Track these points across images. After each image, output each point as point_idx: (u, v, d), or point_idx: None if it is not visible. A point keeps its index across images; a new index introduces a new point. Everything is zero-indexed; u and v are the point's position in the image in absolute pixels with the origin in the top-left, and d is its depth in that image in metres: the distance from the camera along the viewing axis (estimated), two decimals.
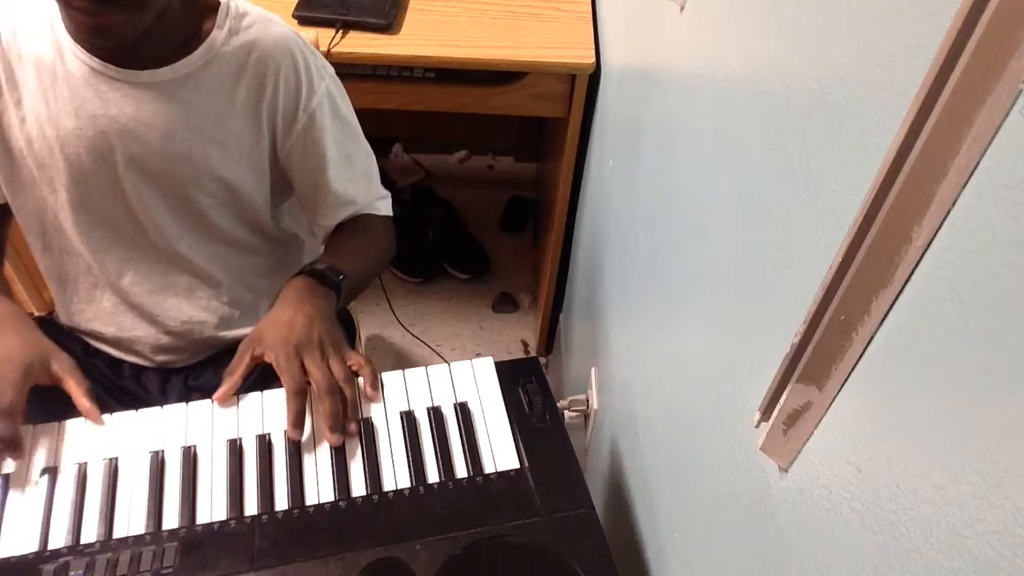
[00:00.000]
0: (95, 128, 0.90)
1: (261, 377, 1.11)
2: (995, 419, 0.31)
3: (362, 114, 1.07)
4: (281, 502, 0.77)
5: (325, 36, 1.37)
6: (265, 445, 0.82)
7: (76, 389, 0.84)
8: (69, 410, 0.84)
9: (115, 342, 1.07)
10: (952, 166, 0.32)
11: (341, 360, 0.86)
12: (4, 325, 0.87)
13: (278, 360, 0.84)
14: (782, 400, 0.48)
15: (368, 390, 0.86)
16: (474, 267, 2.17)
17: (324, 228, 1.07)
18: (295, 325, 0.86)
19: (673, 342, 0.83)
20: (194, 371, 1.11)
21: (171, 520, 0.76)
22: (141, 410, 0.85)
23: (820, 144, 0.47)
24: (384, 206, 1.11)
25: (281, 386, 0.87)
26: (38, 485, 0.78)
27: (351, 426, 0.82)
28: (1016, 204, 0.29)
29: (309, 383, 0.84)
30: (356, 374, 0.87)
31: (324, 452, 0.81)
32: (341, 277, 0.95)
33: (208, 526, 0.75)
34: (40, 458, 0.81)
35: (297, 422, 0.82)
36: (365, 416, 0.85)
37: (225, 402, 0.85)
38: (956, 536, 0.32)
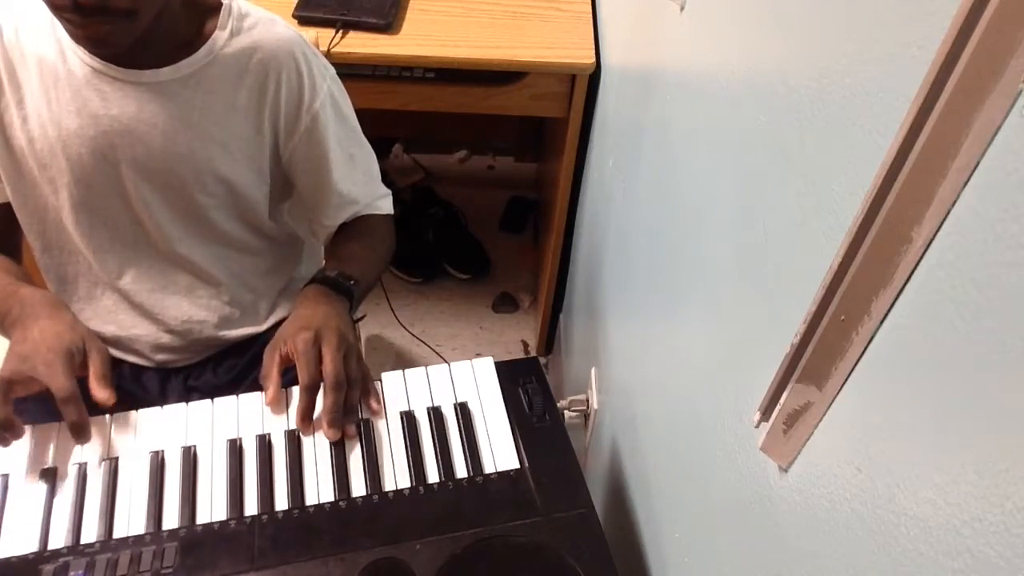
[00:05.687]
0: (97, 128, 0.90)
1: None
2: (995, 419, 0.31)
3: (362, 114, 1.07)
4: (281, 502, 0.77)
5: (325, 36, 1.37)
6: (265, 445, 0.82)
7: (94, 370, 0.84)
8: None
9: (115, 341, 1.07)
10: (952, 166, 0.32)
11: (358, 359, 0.87)
12: (38, 309, 0.87)
13: (296, 346, 0.84)
14: (782, 400, 0.48)
15: (372, 404, 0.86)
16: (474, 267, 2.17)
17: (327, 228, 1.07)
18: (315, 316, 0.87)
19: (673, 342, 0.83)
20: (194, 371, 1.11)
21: (171, 520, 0.76)
22: (141, 410, 0.85)
23: (820, 144, 0.47)
24: (385, 204, 1.11)
25: (282, 386, 0.87)
26: (38, 485, 0.78)
27: (349, 428, 0.82)
28: (1016, 204, 0.29)
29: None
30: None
31: (324, 452, 0.81)
32: (352, 283, 0.96)
33: (208, 526, 0.75)
34: (40, 458, 0.81)
35: (306, 416, 0.82)
36: (365, 416, 0.85)
37: (278, 404, 0.85)
38: (956, 536, 0.32)
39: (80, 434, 0.79)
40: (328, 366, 0.83)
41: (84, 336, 0.85)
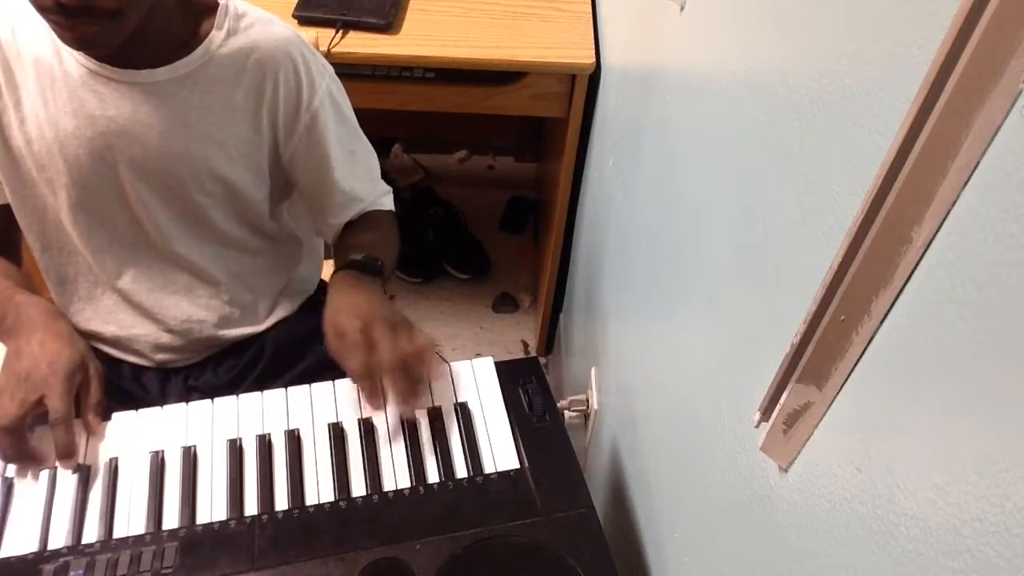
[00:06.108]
0: (94, 129, 0.89)
1: (260, 377, 1.12)
2: (995, 419, 0.31)
3: (362, 114, 1.07)
4: (281, 502, 0.77)
5: (325, 36, 1.37)
6: (265, 445, 0.82)
7: (89, 399, 0.85)
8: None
9: (114, 341, 1.07)
10: (952, 166, 0.32)
11: (409, 336, 0.86)
12: (35, 319, 0.87)
13: (343, 333, 0.83)
14: (782, 400, 0.48)
15: (435, 374, 0.87)
16: (474, 267, 2.17)
17: (333, 227, 1.07)
18: (358, 302, 0.88)
19: (673, 342, 0.83)
20: (194, 371, 1.11)
21: (171, 520, 0.76)
22: (141, 410, 0.85)
23: (820, 144, 0.47)
24: (388, 201, 1.12)
25: (281, 386, 0.87)
26: (38, 485, 0.78)
27: (412, 411, 0.83)
28: (1016, 204, 0.29)
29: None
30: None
31: (324, 452, 0.81)
32: (379, 263, 0.97)
33: (208, 526, 0.75)
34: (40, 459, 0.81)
35: (373, 402, 0.84)
36: (365, 416, 0.85)
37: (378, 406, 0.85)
38: (956, 536, 0.32)
39: (67, 458, 0.80)
40: (383, 350, 0.82)
41: (83, 353, 0.86)
